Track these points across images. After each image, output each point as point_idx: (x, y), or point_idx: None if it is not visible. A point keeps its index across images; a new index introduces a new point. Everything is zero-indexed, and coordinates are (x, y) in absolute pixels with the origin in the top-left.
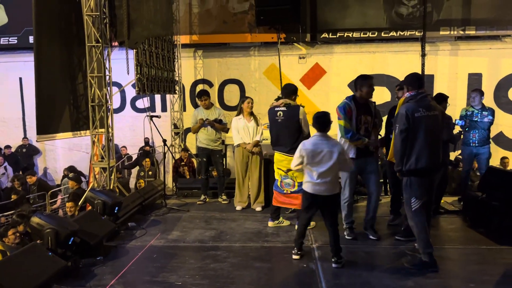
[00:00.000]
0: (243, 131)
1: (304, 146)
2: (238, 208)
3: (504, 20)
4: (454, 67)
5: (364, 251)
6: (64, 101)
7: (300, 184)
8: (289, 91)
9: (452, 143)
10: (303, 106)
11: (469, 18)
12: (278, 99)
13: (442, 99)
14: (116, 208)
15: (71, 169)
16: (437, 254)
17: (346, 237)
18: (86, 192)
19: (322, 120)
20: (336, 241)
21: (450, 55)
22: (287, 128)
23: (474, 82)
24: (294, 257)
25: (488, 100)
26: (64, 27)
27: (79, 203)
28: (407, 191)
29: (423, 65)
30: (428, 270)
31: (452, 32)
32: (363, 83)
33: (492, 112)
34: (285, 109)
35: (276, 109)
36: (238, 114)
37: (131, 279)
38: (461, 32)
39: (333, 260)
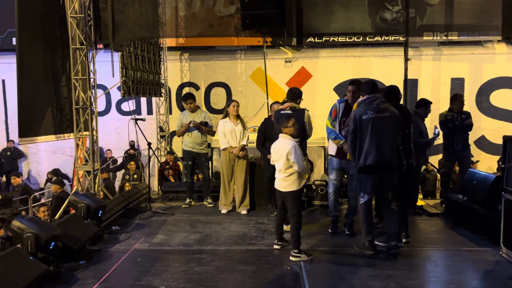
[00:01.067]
0: (230, 135)
1: (272, 146)
2: (223, 211)
3: (485, 26)
4: (437, 72)
5: (348, 253)
6: (47, 104)
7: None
8: (295, 94)
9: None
10: (307, 110)
11: (452, 24)
12: (283, 102)
13: (423, 104)
14: (100, 211)
15: (55, 172)
16: (419, 255)
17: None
18: (69, 196)
19: (282, 120)
20: (292, 232)
21: (433, 60)
22: None
23: (457, 87)
24: (275, 247)
25: (470, 104)
26: (48, 29)
27: (63, 207)
28: (358, 186)
29: (406, 69)
30: (366, 252)
31: (435, 38)
32: (348, 88)
33: (469, 114)
34: (290, 112)
35: (282, 112)
36: (224, 117)
37: (114, 283)
38: (444, 38)
39: (292, 252)
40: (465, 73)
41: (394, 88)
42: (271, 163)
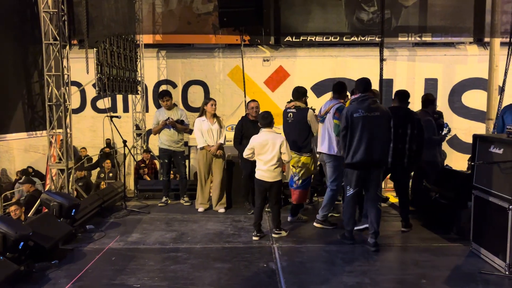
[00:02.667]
0: (207, 134)
1: (254, 140)
2: (200, 209)
3: (457, 28)
4: (411, 72)
5: (324, 250)
6: (18, 100)
7: (302, 181)
8: (300, 94)
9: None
10: (313, 109)
11: (426, 25)
12: (290, 101)
13: (430, 101)
14: (73, 210)
15: (24, 172)
16: (392, 251)
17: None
18: (42, 194)
19: (267, 119)
20: (274, 216)
21: (408, 61)
22: (296, 128)
23: (430, 87)
24: (254, 238)
25: (443, 104)
26: (19, 24)
27: (35, 206)
28: (345, 180)
29: (381, 69)
30: (346, 241)
31: (409, 39)
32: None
33: (442, 114)
34: (294, 111)
35: (288, 110)
36: (200, 115)
37: (87, 282)
38: (418, 39)
39: (274, 231)
40: (438, 74)
41: (405, 92)
42: (245, 156)
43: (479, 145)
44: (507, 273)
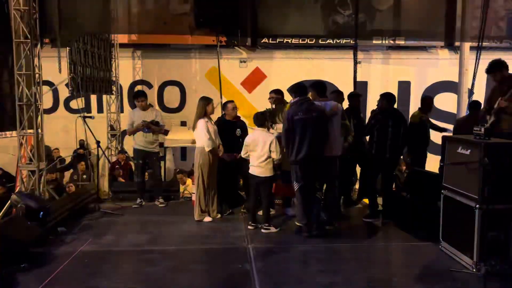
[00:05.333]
0: (214, 135)
1: (247, 138)
2: (208, 219)
3: (429, 32)
4: (385, 75)
5: (299, 250)
6: None
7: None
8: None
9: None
10: None
11: (399, 29)
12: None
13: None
14: (44, 212)
15: None
16: (364, 251)
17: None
18: (12, 196)
19: (260, 119)
20: (264, 212)
21: (382, 63)
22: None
23: (404, 90)
24: (249, 227)
25: (416, 106)
26: None
27: (4, 208)
28: (292, 176)
29: (355, 71)
30: (301, 234)
31: (384, 42)
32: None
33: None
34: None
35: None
36: (202, 116)
37: (58, 286)
38: (392, 42)
39: (264, 226)
40: (411, 77)
41: (392, 94)
42: (243, 155)
43: (448, 146)
44: (474, 270)
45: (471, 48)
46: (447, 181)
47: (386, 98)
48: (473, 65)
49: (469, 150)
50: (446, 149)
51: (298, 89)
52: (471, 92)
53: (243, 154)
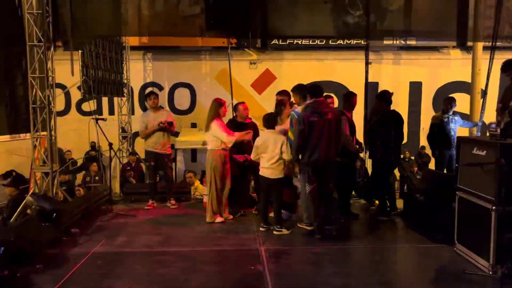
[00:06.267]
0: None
1: (257, 140)
2: (219, 220)
3: (441, 32)
4: (396, 75)
5: (311, 251)
6: (0, 102)
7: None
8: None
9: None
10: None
11: (410, 29)
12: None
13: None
14: (58, 214)
15: (7, 174)
16: (378, 253)
17: None
18: (27, 197)
19: (270, 121)
20: (275, 214)
21: (393, 64)
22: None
23: (415, 90)
24: (261, 229)
25: (428, 107)
26: (2, 25)
27: (18, 210)
28: (303, 178)
29: (366, 72)
30: (314, 235)
31: (395, 42)
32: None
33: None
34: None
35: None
36: (217, 117)
37: (73, 287)
38: (403, 42)
39: (276, 228)
40: (422, 77)
41: (388, 94)
42: (253, 158)
43: (463, 147)
44: (490, 273)
45: (484, 47)
46: (462, 182)
47: (384, 99)
48: (486, 65)
49: (484, 151)
50: (460, 150)
51: (314, 90)
52: (484, 92)
53: (253, 156)
